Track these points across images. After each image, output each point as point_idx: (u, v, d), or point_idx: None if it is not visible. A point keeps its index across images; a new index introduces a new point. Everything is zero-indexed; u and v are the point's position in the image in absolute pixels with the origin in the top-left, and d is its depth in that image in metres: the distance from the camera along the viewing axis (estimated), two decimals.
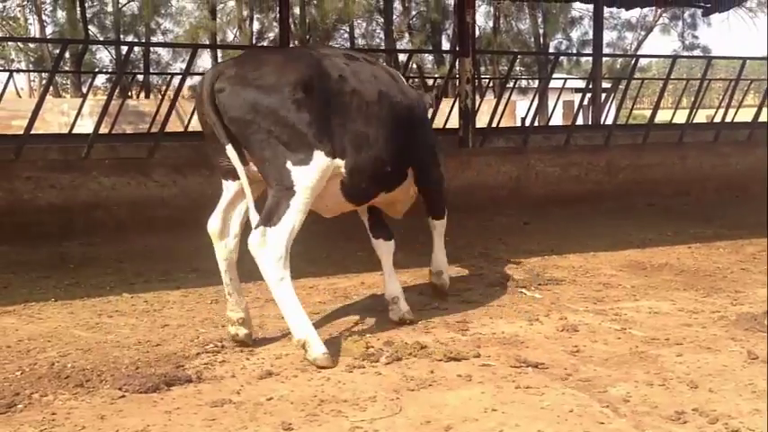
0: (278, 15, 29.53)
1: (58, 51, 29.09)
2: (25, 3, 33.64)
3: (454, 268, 6.08)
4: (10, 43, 32.43)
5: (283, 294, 3.88)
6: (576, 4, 27.12)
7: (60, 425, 3.07)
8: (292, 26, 26.70)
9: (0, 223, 7.05)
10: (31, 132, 7.84)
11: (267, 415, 3.17)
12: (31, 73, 34.04)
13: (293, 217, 3.94)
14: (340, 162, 4.05)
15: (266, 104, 3.83)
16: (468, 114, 9.37)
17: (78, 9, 27.75)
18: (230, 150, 3.88)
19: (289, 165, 3.87)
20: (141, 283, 5.66)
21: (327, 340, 4.16)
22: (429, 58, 36.14)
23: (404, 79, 4.89)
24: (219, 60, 31.17)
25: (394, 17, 34.03)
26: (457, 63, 9.94)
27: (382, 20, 34.50)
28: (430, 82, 27.70)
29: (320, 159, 3.92)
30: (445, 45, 35.13)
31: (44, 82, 34.91)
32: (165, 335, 4.33)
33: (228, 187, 4.24)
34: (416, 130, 4.67)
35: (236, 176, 4.01)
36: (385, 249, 4.88)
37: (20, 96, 30.15)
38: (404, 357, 3.87)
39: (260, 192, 4.16)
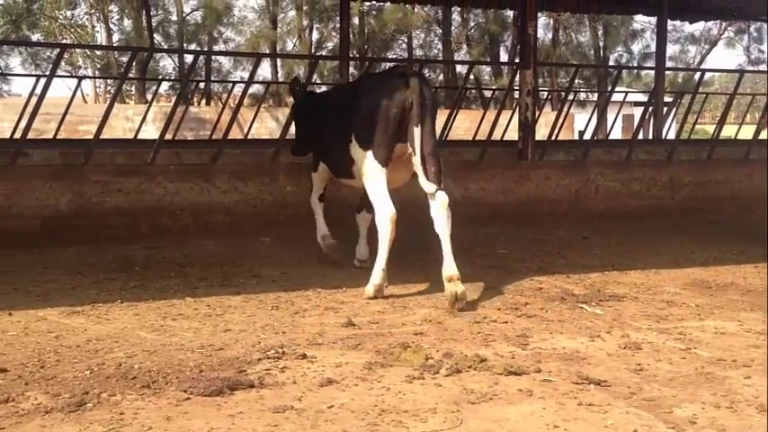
0: (337, 26, 29.80)
1: (124, 59, 29.81)
2: (93, 11, 34.56)
3: (513, 280, 6.05)
4: (77, 50, 33.27)
5: None
6: (639, 17, 26.79)
7: (128, 424, 3.13)
8: (351, 36, 26.92)
9: (69, 225, 7.25)
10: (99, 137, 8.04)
11: (328, 423, 3.19)
12: (96, 79, 34.92)
13: None
14: None
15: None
16: (527, 127, 9.31)
17: (144, 18, 28.39)
18: (418, 131, 5.46)
19: None
20: (203, 287, 5.75)
21: (386, 350, 4.18)
22: (487, 69, 36.05)
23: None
24: (279, 69, 31.61)
25: (452, 28, 34.02)
26: (517, 75, 9.88)
27: (440, 31, 34.51)
28: (488, 94, 27.62)
29: None
30: (503, 57, 34.98)
31: (110, 88, 35.81)
32: (227, 339, 4.39)
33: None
34: None
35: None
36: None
37: (86, 102, 30.99)
38: (463, 370, 3.86)
39: None
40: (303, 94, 7.29)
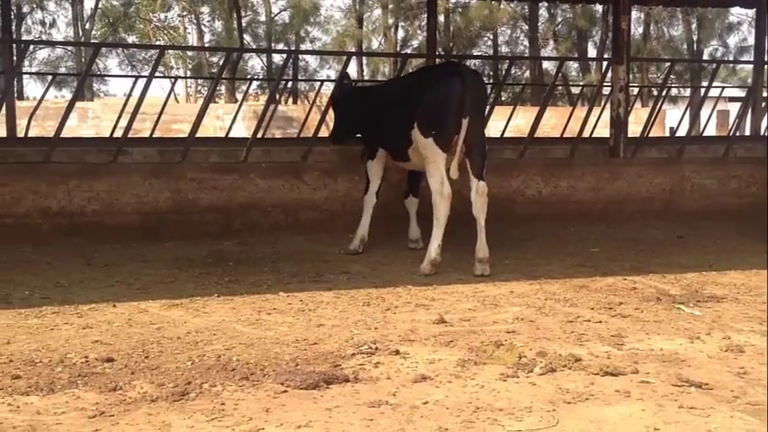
0: (423, 23, 29.74)
1: (214, 59, 30.55)
2: (185, 13, 35.54)
3: (606, 280, 5.95)
4: (170, 51, 34.31)
5: None
6: (735, 9, 25.94)
7: (229, 415, 3.22)
8: (437, 34, 26.86)
9: (166, 221, 7.49)
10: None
11: (423, 419, 3.21)
12: (187, 79, 35.93)
13: None
14: None
15: None
16: (619, 123, 9.12)
17: (234, 18, 29.04)
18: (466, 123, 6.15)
19: None
20: (296, 282, 5.85)
21: (479, 347, 4.17)
22: (574, 65, 35.46)
23: None
24: (365, 68, 31.86)
25: (539, 24, 33.58)
26: (609, 70, 9.68)
27: (527, 27, 34.12)
28: (575, 90, 27.16)
29: None
30: (591, 52, 34.35)
31: (200, 88, 36.82)
32: (320, 334, 4.46)
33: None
34: None
35: None
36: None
37: (177, 101, 31.91)
38: (558, 369, 3.82)
39: None
40: (353, 88, 8.17)
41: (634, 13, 29.63)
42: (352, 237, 7.12)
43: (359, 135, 7.56)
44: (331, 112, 8.08)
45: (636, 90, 19.44)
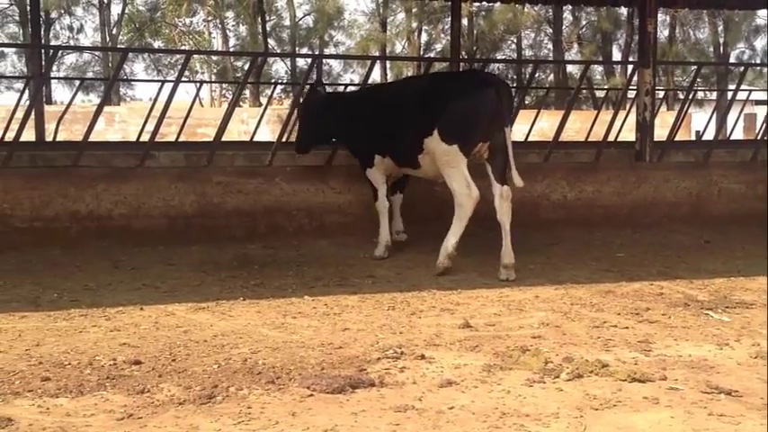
0: (446, 27, 29.67)
1: (238, 63, 30.75)
2: (210, 18, 35.81)
3: (633, 285, 5.91)
4: (195, 55, 34.57)
5: None
6: (762, 12, 25.67)
7: (256, 418, 3.24)
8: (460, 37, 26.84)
9: (192, 224, 7.54)
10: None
11: (450, 424, 3.20)
12: (212, 83, 36.16)
13: None
14: None
15: None
16: (645, 127, 9.06)
17: (259, 23, 29.21)
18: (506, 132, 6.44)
19: None
20: (320, 286, 5.87)
21: (504, 352, 4.16)
22: (598, 69, 35.29)
23: None
24: (388, 72, 31.90)
25: (563, 27, 33.45)
26: (635, 74, 9.62)
27: (551, 30, 34.00)
28: (600, 94, 26.99)
29: None
30: (616, 56, 34.16)
31: (225, 92, 37.04)
32: (346, 338, 4.47)
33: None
34: None
35: None
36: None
37: (202, 105, 32.14)
38: (585, 375, 3.80)
39: None
40: (331, 94, 8.11)
41: (660, 16, 29.44)
42: (377, 242, 7.12)
43: (335, 141, 7.66)
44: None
45: (661, 93, 19.28)
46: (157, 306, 5.15)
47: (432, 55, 32.03)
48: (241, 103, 34.45)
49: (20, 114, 10.34)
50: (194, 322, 4.79)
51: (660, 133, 11.75)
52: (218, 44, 36.48)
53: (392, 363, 4.01)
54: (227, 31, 36.22)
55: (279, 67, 37.18)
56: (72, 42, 35.50)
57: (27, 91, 14.49)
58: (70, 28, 36.12)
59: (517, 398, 3.51)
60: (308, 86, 8.11)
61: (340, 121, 7.40)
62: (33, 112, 10.00)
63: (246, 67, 27.28)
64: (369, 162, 7.18)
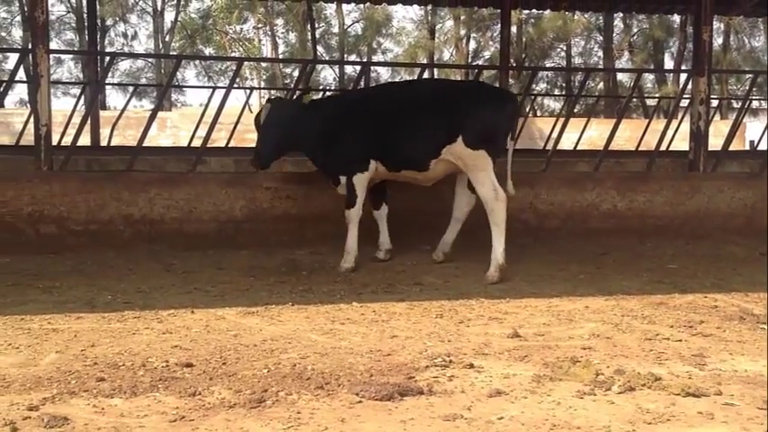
0: (495, 34, 29.55)
1: (287, 70, 31.07)
2: (260, 25, 36.23)
3: (686, 297, 5.81)
4: (245, 62, 35.00)
5: None
6: None
7: (305, 423, 3.25)
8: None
9: (241, 229, 7.63)
10: None
11: None
12: (261, 90, 36.57)
13: None
14: None
15: None
16: (700, 136, 8.92)
17: (308, 30, 29.46)
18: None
19: None
20: (368, 293, 5.88)
21: (554, 363, 4.12)
22: (649, 77, 34.81)
23: None
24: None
25: (614, 35, 33.09)
26: (688, 82, 9.48)
27: (601, 38, 33.66)
28: (652, 102, 26.62)
29: None
30: (668, 63, 33.69)
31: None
32: (394, 345, 4.47)
33: None
34: None
35: None
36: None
37: (251, 111, 32.51)
38: (637, 388, 3.74)
39: None
40: (304, 103, 7.32)
41: (714, 23, 28.97)
42: (346, 253, 6.93)
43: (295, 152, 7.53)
44: None
45: (715, 102, 18.95)
46: (208, 310, 5.21)
47: (480, 62, 31.93)
48: None
49: (76, 119, 10.60)
50: (244, 326, 4.84)
51: (714, 143, 11.55)
52: (267, 51, 36.88)
53: (441, 371, 3.99)
54: (277, 39, 36.62)
55: (327, 74, 37.45)
56: (126, 49, 36.27)
57: (83, 97, 14.85)
58: (125, 35, 36.93)
59: (568, 409, 3.47)
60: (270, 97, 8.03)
61: (313, 130, 7.09)
62: (89, 118, 10.23)
63: (295, 73, 27.54)
64: (361, 167, 6.96)
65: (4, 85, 11.85)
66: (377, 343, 4.52)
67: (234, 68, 29.13)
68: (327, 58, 34.13)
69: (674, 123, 12.58)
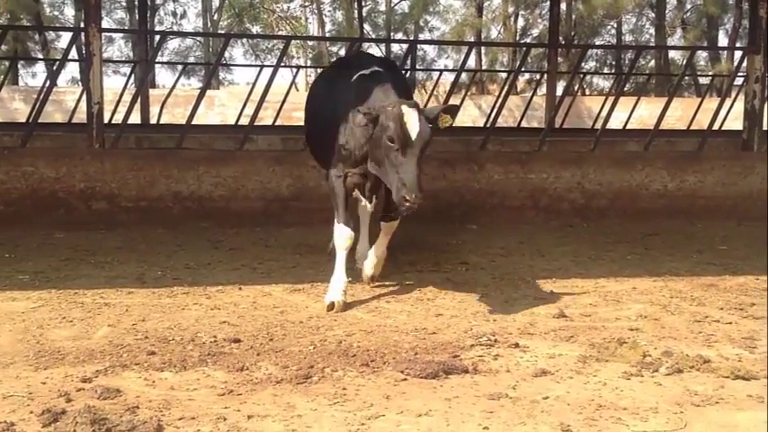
0: (544, 12, 29.13)
1: (333, 48, 31.05)
2: (307, 3, 36.25)
3: (737, 279, 5.70)
4: (292, 41, 35.08)
5: None
6: None
7: (351, 400, 3.29)
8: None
9: (288, 207, 7.68)
10: None
11: (544, 414, 3.18)
12: (307, 69, 36.65)
13: None
14: None
15: None
16: (754, 115, 8.70)
17: (355, 8, 29.39)
18: None
19: None
20: (414, 272, 5.89)
21: (600, 344, 4.09)
22: (702, 55, 33.98)
23: None
24: (483, 57, 31.62)
25: (666, 11, 32.35)
26: (743, 60, 9.24)
27: (653, 14, 32.94)
28: (704, 81, 26.02)
29: None
30: (722, 41, 32.86)
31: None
32: (439, 324, 4.48)
33: None
34: None
35: None
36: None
37: (297, 90, 32.63)
38: (685, 370, 3.70)
39: None
40: None
41: None
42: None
43: None
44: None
45: None
46: (255, 286, 5.28)
47: (528, 41, 31.52)
48: None
49: (126, 98, 10.76)
50: (290, 303, 4.89)
51: None
52: (314, 29, 36.90)
53: (486, 350, 4.00)
54: (324, 17, 36.60)
55: (374, 53, 37.36)
56: (175, 28, 36.55)
57: (133, 75, 15.05)
58: (174, 14, 37.19)
59: (614, 390, 3.45)
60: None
61: None
62: (139, 96, 10.37)
63: (342, 52, 27.53)
64: None
65: (57, 63, 12.08)
66: (422, 321, 4.53)
67: (281, 47, 29.19)
68: (374, 37, 34.02)
69: (728, 102, 12.29)
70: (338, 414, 3.14)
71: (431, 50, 34.84)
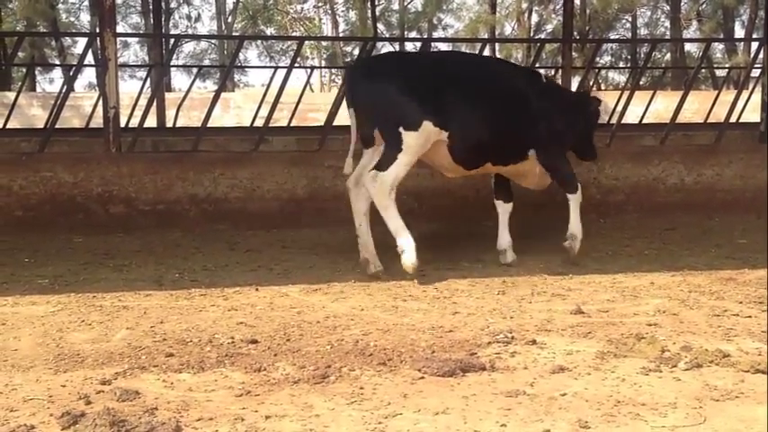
0: (557, 7, 29.04)
1: (347, 48, 31.15)
2: (321, 4, 36.31)
3: (756, 272, 5.66)
4: (306, 42, 35.17)
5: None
6: None
7: (368, 399, 3.29)
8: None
9: (304, 207, 7.70)
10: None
11: (562, 410, 3.17)
12: (322, 69, 36.74)
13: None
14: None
15: None
16: None
17: (368, 8, 29.42)
18: None
19: None
20: (430, 270, 5.88)
21: (618, 339, 4.07)
22: (719, 47, 33.75)
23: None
24: (497, 54, 31.53)
25: (681, 4, 32.15)
26: (760, 51, 9.17)
27: (668, 7, 32.75)
28: (721, 73, 25.83)
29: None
30: (738, 32, 32.61)
31: (334, 77, 37.53)
32: (456, 322, 4.47)
33: None
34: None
35: None
36: (502, 210, 6.35)
37: (312, 90, 32.69)
38: (704, 365, 3.67)
39: None
40: None
41: None
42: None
43: None
44: None
45: None
46: (272, 287, 5.30)
47: (542, 36, 31.43)
48: None
49: (142, 101, 10.82)
50: (307, 303, 4.91)
51: None
52: (327, 30, 36.96)
53: (503, 347, 3.99)
54: (337, 17, 36.66)
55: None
56: (190, 31, 36.80)
57: (149, 79, 15.15)
58: (188, 17, 37.45)
59: (632, 386, 3.43)
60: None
61: None
62: (155, 100, 10.44)
63: (356, 52, 27.57)
64: None
65: (74, 69, 12.17)
66: (439, 319, 4.53)
67: (295, 48, 29.32)
68: (388, 36, 34.04)
69: (745, 94, 12.19)
70: (356, 413, 3.14)
71: (445, 48, 34.80)
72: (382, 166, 5.67)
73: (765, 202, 8.13)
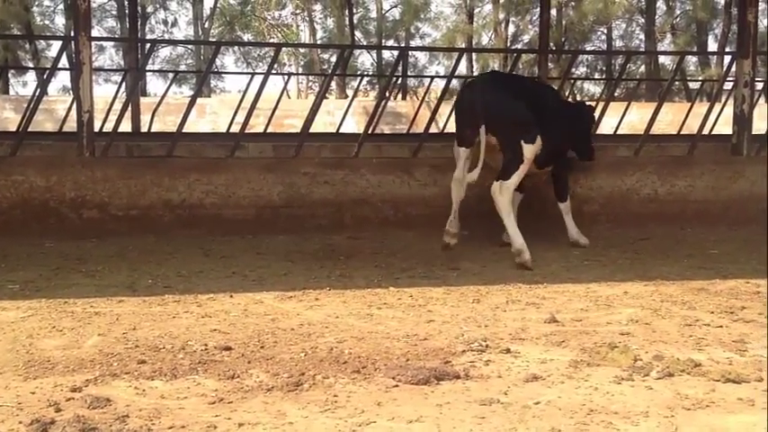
0: (534, 18, 29.22)
1: (325, 56, 31.16)
2: (298, 11, 36.30)
3: (728, 283, 5.72)
4: (283, 48, 35.13)
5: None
6: None
7: (342, 406, 3.28)
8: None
9: (279, 214, 7.68)
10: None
11: (536, 419, 3.17)
12: (299, 76, 36.68)
13: None
14: None
15: None
16: (743, 120, 8.75)
17: (346, 15, 29.46)
18: None
19: None
20: (405, 278, 5.89)
21: (592, 348, 4.09)
22: (692, 60, 34.21)
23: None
24: (474, 64, 31.70)
25: (656, 17, 32.54)
26: (732, 65, 9.29)
27: (643, 20, 33.13)
28: (694, 86, 26.14)
29: None
30: (711, 46, 33.07)
31: (311, 84, 37.52)
32: (430, 330, 4.47)
33: None
34: None
35: None
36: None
37: (289, 97, 32.63)
38: (676, 374, 3.70)
39: None
40: None
41: (763, 5, 28.28)
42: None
43: None
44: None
45: (760, 85, 18.53)
46: (246, 294, 5.27)
47: (519, 47, 31.65)
48: (327, 95, 34.87)
49: (117, 106, 10.74)
50: (282, 310, 4.88)
51: (759, 126, 11.32)
52: (305, 37, 36.95)
53: (477, 356, 3.99)
54: (315, 24, 36.67)
55: (365, 59, 37.38)
56: (166, 36, 36.59)
57: (124, 83, 15.04)
58: (165, 22, 37.24)
59: (605, 395, 3.45)
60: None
61: None
62: (130, 104, 10.36)
63: (333, 59, 27.57)
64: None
65: (48, 72, 12.06)
66: (413, 327, 4.53)
67: (272, 54, 29.28)
68: (365, 44, 34.09)
69: (718, 107, 12.35)
70: (329, 421, 3.13)
71: (422, 57, 34.99)
72: (505, 175, 6.51)
73: (741, 212, 8.26)
